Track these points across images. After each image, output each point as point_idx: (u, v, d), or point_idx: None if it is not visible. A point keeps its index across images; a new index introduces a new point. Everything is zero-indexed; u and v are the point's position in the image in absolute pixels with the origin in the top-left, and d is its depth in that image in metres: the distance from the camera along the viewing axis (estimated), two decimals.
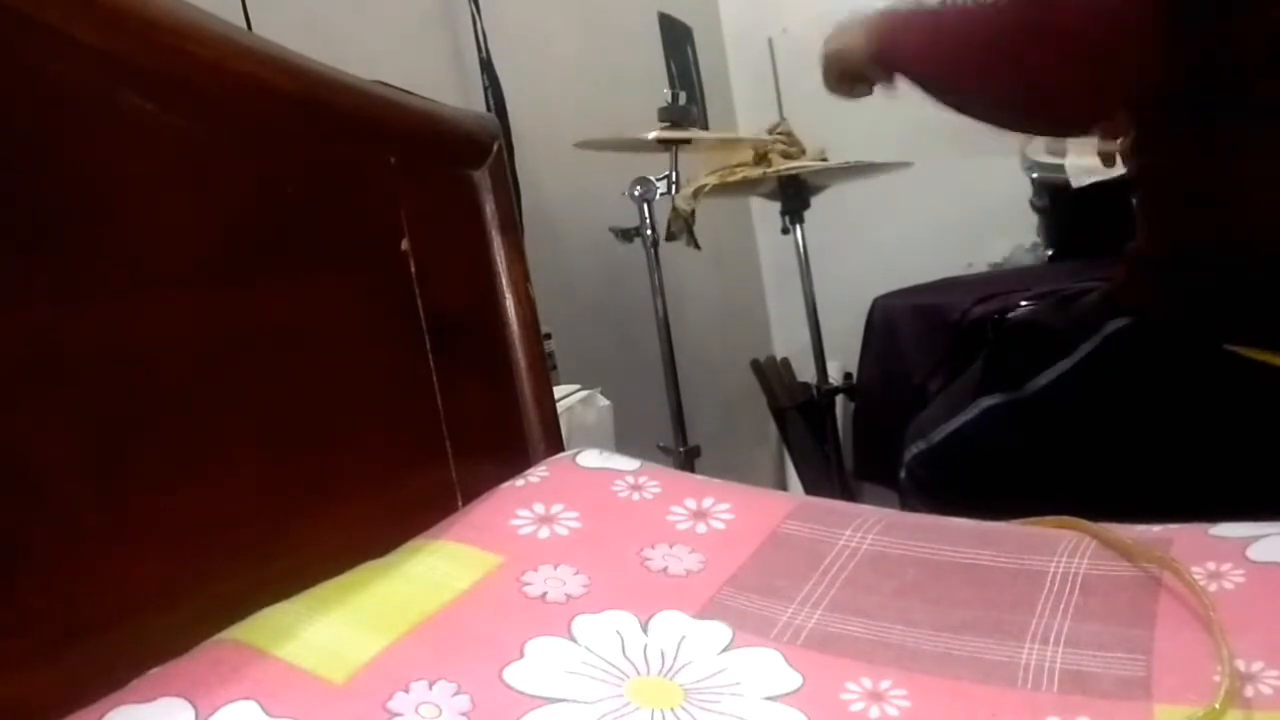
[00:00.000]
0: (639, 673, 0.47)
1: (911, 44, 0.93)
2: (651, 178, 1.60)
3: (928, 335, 1.63)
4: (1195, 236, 0.84)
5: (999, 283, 1.75)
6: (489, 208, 0.81)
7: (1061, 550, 0.57)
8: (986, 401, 0.99)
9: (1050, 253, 2.06)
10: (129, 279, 0.49)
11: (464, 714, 0.42)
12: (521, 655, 0.47)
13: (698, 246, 1.71)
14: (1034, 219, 2.10)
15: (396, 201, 0.69)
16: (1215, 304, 0.83)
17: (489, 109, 1.64)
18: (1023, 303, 1.42)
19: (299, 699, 0.41)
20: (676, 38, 2.42)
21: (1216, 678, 0.43)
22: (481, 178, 0.80)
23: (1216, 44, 0.78)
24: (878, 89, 1.04)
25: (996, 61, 0.81)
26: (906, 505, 1.07)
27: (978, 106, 0.88)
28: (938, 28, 0.89)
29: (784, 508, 0.65)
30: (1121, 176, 0.94)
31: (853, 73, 1.02)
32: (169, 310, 0.51)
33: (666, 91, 1.72)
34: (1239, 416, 0.82)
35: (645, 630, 0.51)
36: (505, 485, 0.66)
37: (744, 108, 2.75)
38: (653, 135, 1.59)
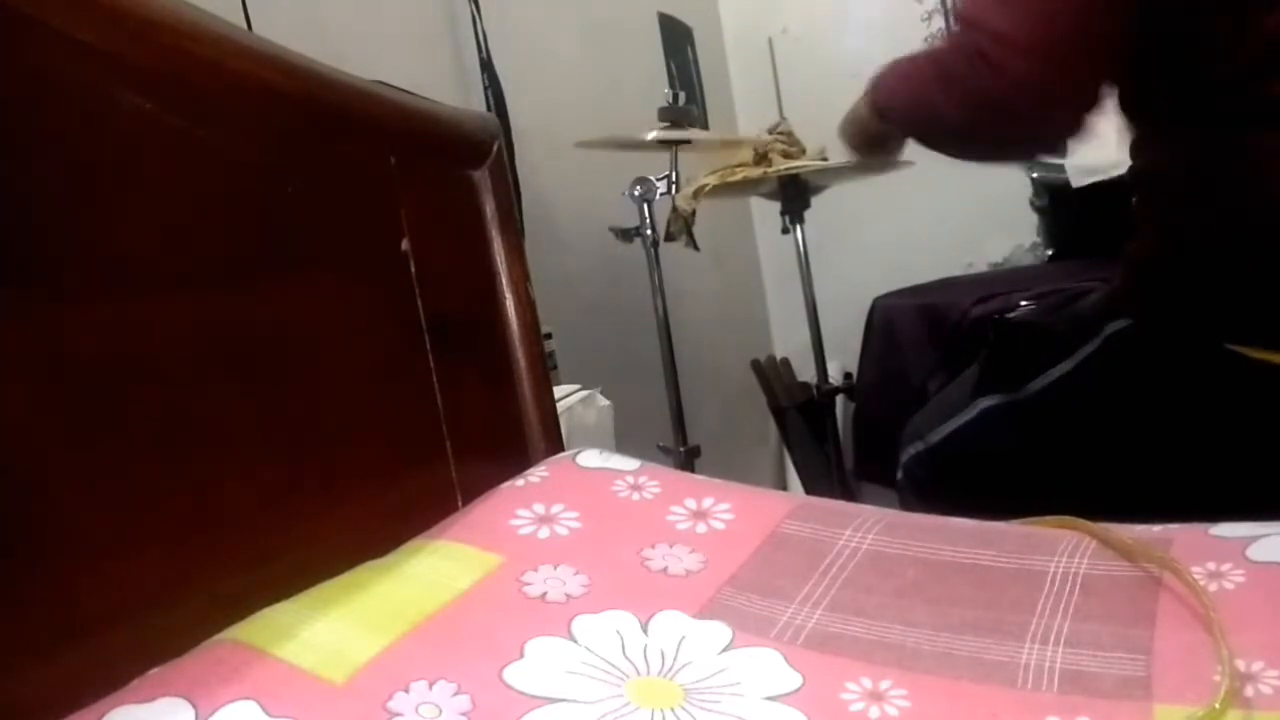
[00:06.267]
0: (639, 673, 0.47)
1: (890, 81, 0.97)
2: (651, 178, 1.60)
3: (927, 335, 1.63)
4: (1196, 237, 0.84)
5: (999, 283, 1.76)
6: (489, 208, 0.81)
7: (1061, 550, 0.57)
8: (985, 403, 0.99)
9: (1050, 253, 2.06)
10: (129, 279, 0.49)
11: (464, 714, 0.42)
12: (521, 655, 0.47)
13: (696, 248, 1.71)
14: (1034, 219, 2.11)
15: (396, 201, 0.69)
16: (1216, 304, 0.83)
17: (489, 109, 1.64)
18: (1023, 303, 1.42)
19: (299, 699, 0.41)
20: (676, 38, 2.42)
21: (1216, 678, 0.43)
22: (481, 178, 0.80)
23: (1219, 46, 0.78)
24: (900, 147, 1.09)
25: (952, 90, 0.85)
26: (904, 506, 1.07)
27: (950, 136, 0.92)
28: (910, 62, 0.93)
29: (784, 508, 0.65)
30: (1122, 176, 0.94)
31: (866, 132, 1.06)
32: (169, 310, 0.51)
33: (666, 91, 1.72)
34: (1239, 416, 0.82)
35: (645, 630, 0.51)
36: (505, 485, 0.66)
37: (744, 108, 2.75)
38: (653, 135, 1.59)
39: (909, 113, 0.95)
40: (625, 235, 1.64)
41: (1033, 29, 0.78)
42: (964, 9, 0.85)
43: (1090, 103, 0.83)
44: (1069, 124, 0.85)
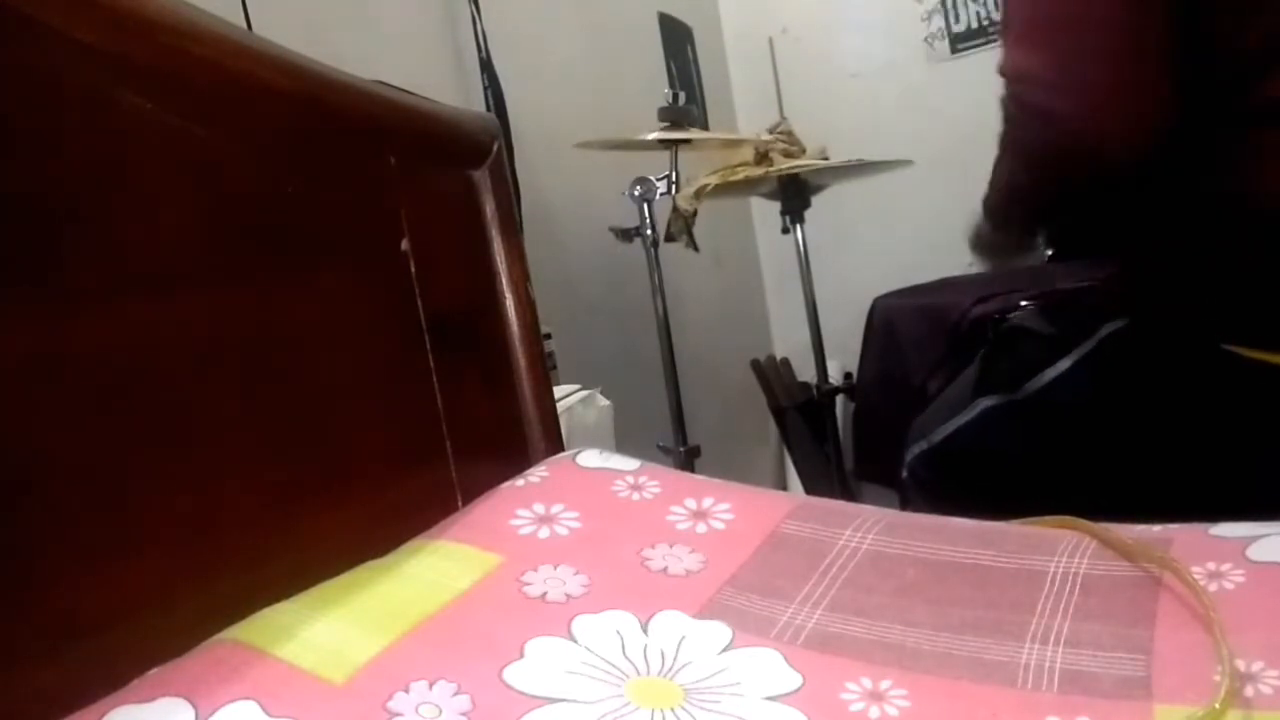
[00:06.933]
0: (639, 673, 0.47)
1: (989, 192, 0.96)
2: (651, 178, 1.60)
3: (928, 335, 1.63)
4: (1194, 236, 0.84)
5: (999, 283, 1.75)
6: (489, 208, 0.81)
7: (1061, 550, 0.57)
8: (985, 402, 0.99)
9: (1050, 253, 2.06)
10: (129, 279, 0.49)
11: (464, 714, 0.42)
12: (521, 655, 0.47)
13: (696, 248, 1.71)
14: None
15: (396, 201, 0.69)
16: (1213, 303, 0.83)
17: (489, 109, 1.64)
18: (1023, 303, 1.42)
19: (299, 699, 0.41)
20: (676, 38, 2.42)
21: (1216, 677, 0.43)
22: (481, 178, 0.80)
23: (1218, 46, 0.78)
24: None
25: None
26: (908, 504, 1.07)
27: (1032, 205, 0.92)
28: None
29: (784, 508, 0.65)
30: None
31: (989, 242, 1.08)
32: (169, 310, 0.51)
33: (666, 91, 1.72)
34: (1236, 416, 0.82)
35: (645, 630, 0.51)
36: (505, 485, 0.66)
37: (744, 108, 2.75)
38: (653, 135, 1.59)
39: (1002, 208, 0.93)
40: (625, 235, 1.64)
41: (1060, 62, 0.76)
42: (1005, 64, 0.82)
43: (1147, 115, 0.79)
44: (1129, 140, 0.80)
